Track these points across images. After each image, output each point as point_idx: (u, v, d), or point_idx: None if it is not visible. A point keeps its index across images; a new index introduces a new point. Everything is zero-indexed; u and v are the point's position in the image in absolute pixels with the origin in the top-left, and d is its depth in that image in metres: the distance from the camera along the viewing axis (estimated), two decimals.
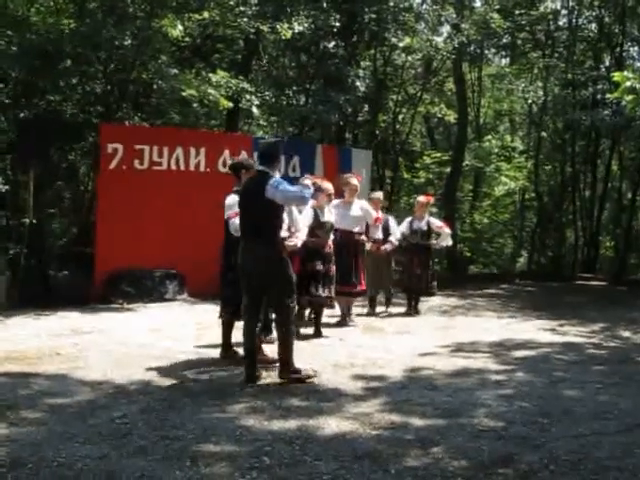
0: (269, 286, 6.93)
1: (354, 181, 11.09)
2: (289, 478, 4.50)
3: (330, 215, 9.82)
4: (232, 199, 7.75)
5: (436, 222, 12.67)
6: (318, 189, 10.25)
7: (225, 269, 7.97)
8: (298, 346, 8.52)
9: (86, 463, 4.68)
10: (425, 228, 12.27)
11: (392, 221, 12.44)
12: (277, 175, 7.34)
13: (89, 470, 4.58)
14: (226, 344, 8.00)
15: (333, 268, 9.59)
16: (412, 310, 12.34)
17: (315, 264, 9.27)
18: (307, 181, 9.78)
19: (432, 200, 13.18)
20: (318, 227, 9.45)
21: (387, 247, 12.02)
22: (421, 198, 12.88)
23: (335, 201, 10.54)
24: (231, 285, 7.67)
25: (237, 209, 7.41)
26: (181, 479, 4.45)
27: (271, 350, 7.62)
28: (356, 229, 10.95)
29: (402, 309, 12.46)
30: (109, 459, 4.78)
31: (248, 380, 6.86)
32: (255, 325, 7.01)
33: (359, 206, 11.07)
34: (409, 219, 12.56)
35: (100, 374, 7.08)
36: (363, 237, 11.15)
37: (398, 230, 12.34)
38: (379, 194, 12.78)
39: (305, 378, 6.91)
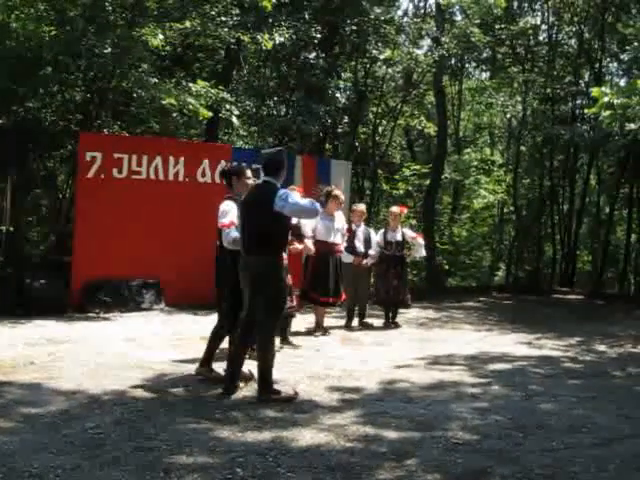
0: (257, 298, 6.74)
1: (338, 192, 11.26)
2: None
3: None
4: (228, 205, 7.49)
5: (409, 233, 12.69)
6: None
7: (221, 282, 7.62)
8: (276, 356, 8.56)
9: (58, 474, 4.65)
10: (400, 239, 12.26)
11: (373, 233, 12.47)
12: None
13: None
14: (207, 360, 7.65)
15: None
16: (391, 322, 12.31)
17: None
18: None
19: (405, 211, 13.15)
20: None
21: (368, 261, 12.08)
22: (394, 209, 12.82)
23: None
24: (228, 299, 7.46)
25: (232, 218, 7.30)
26: None
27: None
28: (339, 241, 11.17)
29: (379, 321, 12.45)
30: (82, 470, 4.75)
31: (226, 391, 6.79)
32: (249, 339, 6.96)
33: (340, 218, 11.22)
34: (382, 230, 12.59)
35: (74, 384, 7.02)
36: (341, 247, 11.33)
37: (374, 245, 12.34)
38: (362, 206, 12.84)
39: (285, 400, 6.64)
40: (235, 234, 7.27)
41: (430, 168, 22.24)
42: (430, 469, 4.95)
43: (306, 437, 5.57)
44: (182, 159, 13.67)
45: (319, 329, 11.14)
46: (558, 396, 7.28)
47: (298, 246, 10.32)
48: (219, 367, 7.37)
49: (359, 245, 12.04)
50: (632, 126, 13.93)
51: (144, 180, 13.36)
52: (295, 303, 9.89)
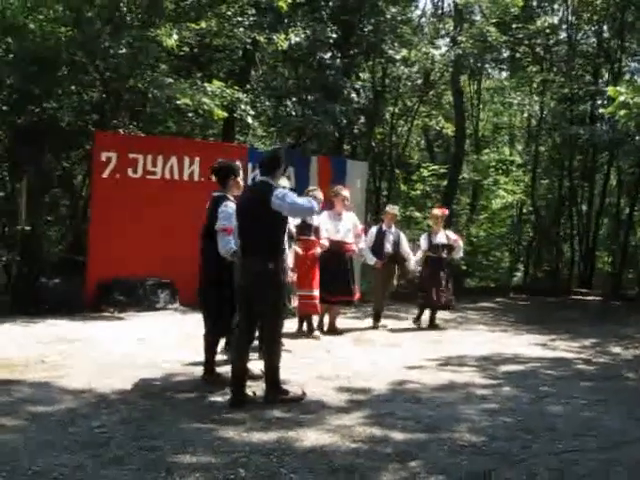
0: (259, 301, 6.57)
1: (345, 192, 11.24)
2: None
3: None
4: (232, 208, 7.17)
5: (452, 235, 12.58)
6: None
7: (211, 284, 7.42)
8: (284, 356, 8.55)
9: (62, 472, 4.67)
10: (445, 241, 12.23)
11: (403, 236, 12.50)
12: (285, 182, 7.31)
13: (64, 479, 4.56)
14: (210, 365, 7.57)
15: None
16: (431, 325, 12.32)
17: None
18: (318, 192, 10.05)
19: (447, 212, 13.07)
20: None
21: (410, 266, 12.43)
22: (436, 211, 12.78)
23: (325, 212, 10.70)
24: (220, 302, 7.34)
25: (233, 224, 7.08)
26: None
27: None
28: (348, 239, 11.15)
29: (392, 321, 12.43)
30: (85, 468, 4.77)
31: (234, 404, 6.47)
32: (248, 345, 6.77)
33: (349, 217, 11.27)
34: (426, 234, 12.53)
35: (83, 383, 7.05)
36: (354, 247, 11.42)
37: (407, 248, 12.45)
38: (395, 208, 12.86)
39: (292, 400, 6.58)
40: (234, 246, 7.07)
41: (448, 168, 22.19)
42: (434, 471, 4.92)
43: (311, 438, 5.55)
44: (197, 159, 13.71)
45: (333, 328, 11.28)
46: (569, 398, 7.22)
47: (318, 249, 10.46)
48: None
49: (388, 247, 12.10)
50: None
51: (159, 180, 13.43)
52: (296, 304, 10.06)
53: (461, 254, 13.08)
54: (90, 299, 12.55)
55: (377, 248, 12.04)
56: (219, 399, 6.66)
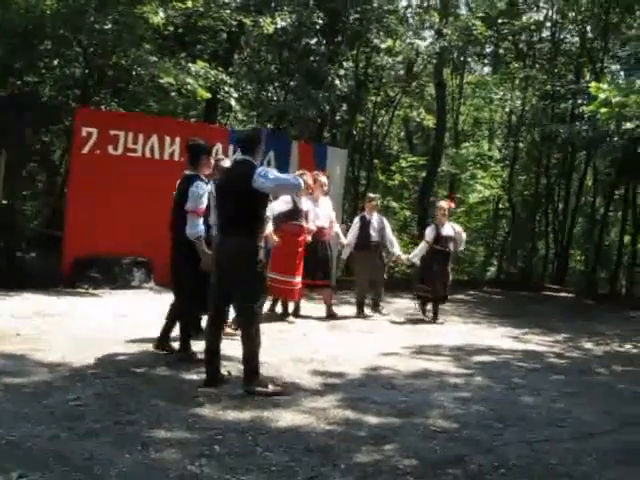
0: (235, 282, 6.37)
1: (322, 178, 11.36)
2: (238, 467, 4.50)
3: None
4: (203, 189, 7.23)
5: (457, 227, 12.50)
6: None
7: (184, 260, 7.38)
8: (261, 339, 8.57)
9: (36, 443, 4.67)
10: (452, 234, 12.13)
11: (386, 222, 12.55)
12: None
13: (38, 449, 4.58)
14: (164, 337, 7.62)
15: None
16: (435, 319, 12.18)
17: None
18: (306, 177, 10.18)
19: (453, 205, 13.00)
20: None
21: (412, 258, 12.66)
22: (443, 203, 12.68)
23: (303, 198, 10.75)
24: (194, 279, 7.31)
25: (204, 205, 7.18)
26: (130, 463, 4.45)
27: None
28: (326, 224, 11.33)
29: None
30: (60, 440, 4.78)
31: (209, 383, 6.41)
32: (222, 326, 6.69)
33: (325, 202, 11.46)
34: (432, 226, 12.39)
35: (59, 356, 7.04)
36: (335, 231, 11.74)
37: (391, 233, 12.57)
38: (376, 196, 13.01)
39: (272, 394, 6.22)
40: (202, 232, 7.17)
41: (427, 160, 22.26)
42: (407, 454, 4.96)
43: (286, 418, 5.58)
44: (178, 139, 13.63)
45: (331, 313, 11.51)
46: (540, 390, 7.29)
47: (308, 237, 10.68)
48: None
49: (374, 234, 12.10)
50: (629, 125, 13.95)
51: (139, 158, 13.37)
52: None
53: (463, 247, 13.04)
54: (66, 275, 12.50)
55: (363, 237, 12.04)
56: (194, 377, 6.67)
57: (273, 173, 6.42)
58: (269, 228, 9.62)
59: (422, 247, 12.33)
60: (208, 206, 7.42)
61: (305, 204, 10.71)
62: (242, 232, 6.37)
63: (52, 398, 5.67)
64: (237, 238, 6.37)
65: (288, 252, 10.39)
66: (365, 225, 12.12)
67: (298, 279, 10.64)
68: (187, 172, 7.50)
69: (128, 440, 4.84)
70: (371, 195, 13.14)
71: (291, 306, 11.04)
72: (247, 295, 6.42)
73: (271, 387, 6.36)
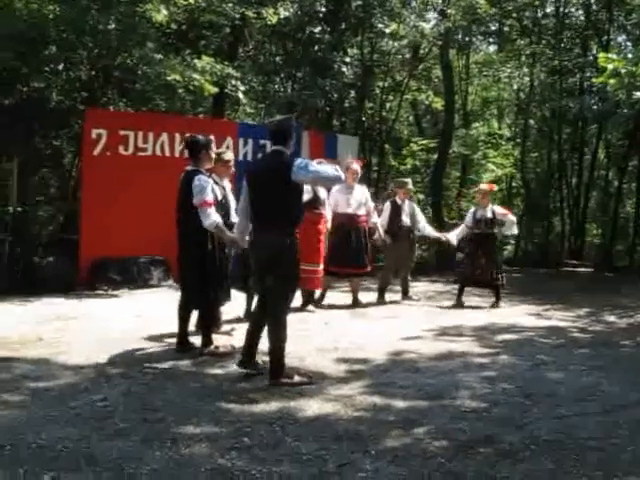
0: (271, 274, 6.28)
1: (355, 166, 11.32)
2: (269, 458, 4.50)
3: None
4: (206, 181, 7.25)
5: (500, 210, 12.18)
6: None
7: (191, 258, 7.45)
8: None
9: (66, 445, 4.67)
10: (490, 216, 11.80)
11: (417, 208, 12.53)
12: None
13: (69, 451, 4.57)
14: (183, 336, 7.64)
15: None
16: (492, 305, 11.92)
17: None
18: (354, 164, 10.48)
19: (495, 188, 12.77)
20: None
21: (450, 239, 12.40)
22: (483, 186, 12.51)
23: (337, 186, 10.74)
24: (202, 276, 7.39)
25: (211, 196, 7.19)
26: (160, 459, 4.45)
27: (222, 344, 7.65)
28: (360, 212, 11.24)
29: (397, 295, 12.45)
30: (89, 441, 4.77)
31: (240, 365, 6.47)
32: (263, 317, 6.46)
33: (360, 191, 11.40)
34: (473, 209, 12.29)
35: (83, 358, 7.03)
36: (373, 221, 11.64)
37: (423, 218, 12.60)
38: (409, 182, 12.85)
39: (299, 384, 6.21)
40: (219, 219, 7.19)
41: (438, 143, 22.19)
42: (437, 437, 4.95)
43: (313, 407, 5.57)
44: (211, 137, 13.58)
45: (356, 302, 11.46)
46: (566, 365, 7.26)
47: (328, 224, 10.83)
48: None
49: (406, 219, 12.10)
50: (639, 94, 13.83)
51: (150, 157, 13.35)
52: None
53: (515, 230, 12.60)
54: (84, 278, 12.53)
55: (394, 222, 12.02)
56: (219, 371, 6.67)
57: (313, 165, 6.32)
58: None
59: (461, 229, 12.25)
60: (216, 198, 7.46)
61: (323, 192, 10.69)
62: (281, 227, 6.29)
63: (79, 400, 5.67)
64: (277, 234, 6.27)
65: (309, 240, 10.22)
66: (396, 210, 12.09)
67: (320, 267, 10.66)
68: (188, 168, 7.52)
69: (157, 437, 4.83)
70: (403, 180, 13.00)
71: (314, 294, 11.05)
72: (280, 289, 6.34)
73: (297, 378, 6.32)
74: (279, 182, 6.20)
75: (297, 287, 6.77)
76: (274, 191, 6.25)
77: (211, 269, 7.44)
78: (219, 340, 7.77)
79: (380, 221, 12.03)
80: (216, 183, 7.99)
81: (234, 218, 7.88)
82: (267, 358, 6.44)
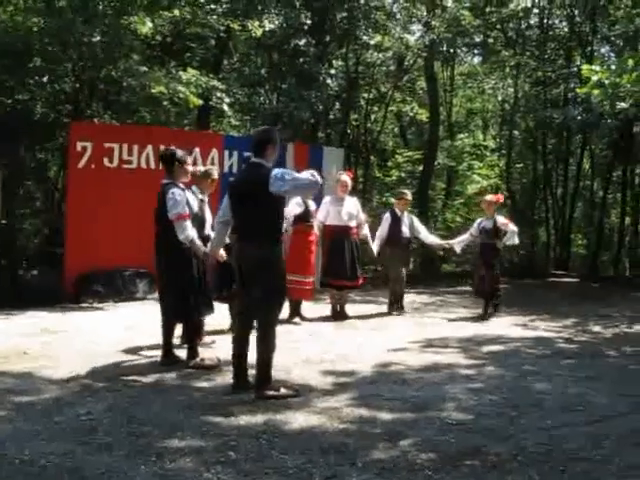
0: (255, 286, 6.25)
1: (345, 177, 11.39)
2: (255, 472, 4.47)
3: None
4: (180, 195, 7.25)
5: (501, 219, 12.15)
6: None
7: (169, 269, 7.45)
8: None
9: (50, 460, 4.64)
10: (491, 226, 11.81)
11: (416, 220, 12.44)
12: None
13: (53, 466, 4.54)
14: (167, 349, 7.59)
15: None
16: (483, 315, 11.86)
17: None
18: (344, 176, 11.00)
19: (501, 199, 12.67)
20: None
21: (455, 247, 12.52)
22: (488, 197, 12.48)
23: (327, 197, 11.21)
24: (181, 287, 7.41)
25: (186, 209, 7.21)
26: (145, 474, 4.42)
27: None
28: (352, 223, 11.28)
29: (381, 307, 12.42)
30: (73, 455, 4.74)
31: (237, 387, 6.40)
32: (249, 332, 6.47)
33: (352, 202, 11.45)
34: (479, 219, 12.30)
35: (67, 372, 7.00)
36: (364, 233, 11.71)
37: (423, 227, 12.55)
38: (408, 193, 12.80)
39: (285, 397, 6.19)
40: (194, 232, 7.23)
41: (423, 154, 22.22)
42: (424, 449, 4.94)
43: (299, 420, 5.55)
44: (173, 148, 13.57)
45: (339, 314, 11.35)
46: (553, 376, 7.28)
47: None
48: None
49: (406, 230, 12.03)
50: (623, 105, 13.90)
51: (135, 169, 13.30)
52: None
53: (516, 240, 12.42)
54: (69, 291, 12.46)
55: (394, 233, 11.95)
56: (205, 384, 6.65)
57: (290, 174, 6.27)
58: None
59: (465, 237, 12.30)
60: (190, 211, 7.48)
61: (313, 204, 10.78)
62: (262, 239, 6.26)
63: (63, 414, 5.63)
64: (258, 246, 6.24)
65: (300, 252, 10.53)
66: (396, 221, 12.03)
67: (310, 279, 10.76)
68: (163, 181, 7.50)
69: (142, 451, 4.81)
70: (402, 191, 13.03)
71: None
72: (268, 301, 6.30)
73: (283, 390, 6.30)
74: (259, 194, 6.16)
75: (284, 298, 6.73)
76: (254, 203, 6.23)
77: (191, 281, 7.45)
78: (205, 352, 7.74)
79: (378, 232, 12.10)
80: (193, 193, 8.01)
81: (209, 231, 7.93)
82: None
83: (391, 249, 12.05)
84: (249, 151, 13.08)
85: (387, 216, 12.23)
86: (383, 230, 12.09)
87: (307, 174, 6.29)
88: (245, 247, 6.34)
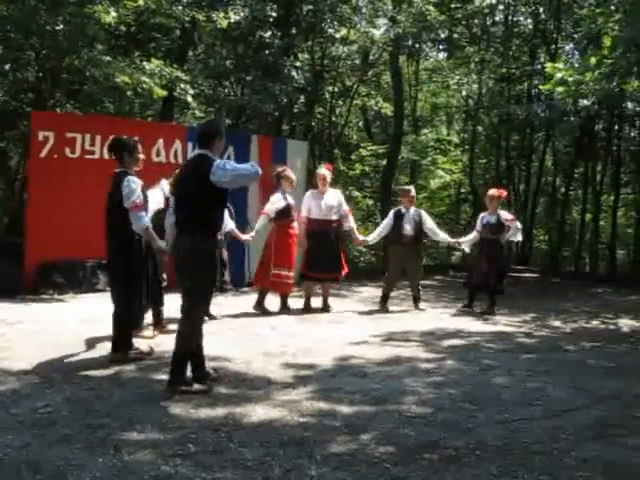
0: (184, 278, 6.19)
1: (323, 171, 11.49)
2: (214, 465, 4.46)
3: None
4: (135, 182, 7.14)
5: (506, 215, 12.12)
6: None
7: (119, 258, 7.36)
8: (228, 335, 8.58)
9: (7, 452, 4.60)
10: (494, 222, 11.81)
11: (425, 215, 12.27)
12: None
13: (10, 459, 4.50)
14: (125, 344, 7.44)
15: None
16: (484, 311, 11.86)
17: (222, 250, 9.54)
18: (289, 172, 10.91)
19: (504, 194, 12.65)
20: None
21: (463, 246, 12.66)
22: (492, 191, 12.32)
23: (308, 192, 11.44)
24: (129, 277, 7.31)
25: (141, 198, 7.12)
26: (103, 466, 4.39)
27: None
28: (333, 217, 11.34)
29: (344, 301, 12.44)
30: (31, 448, 4.70)
31: (195, 380, 6.25)
32: (201, 325, 6.35)
33: (333, 195, 11.48)
34: (482, 214, 12.26)
35: (26, 364, 6.92)
36: (350, 225, 11.77)
37: (433, 224, 12.41)
38: (412, 189, 12.72)
39: (195, 393, 6.05)
40: (149, 222, 7.16)
41: (387, 148, 22.28)
42: (383, 442, 4.96)
43: (259, 413, 5.55)
44: (136, 139, 13.47)
45: (326, 306, 11.49)
46: (512, 370, 7.33)
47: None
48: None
49: (408, 228, 11.87)
50: (585, 102, 14.05)
51: (98, 160, 13.17)
52: (228, 278, 10.08)
53: (519, 236, 12.41)
54: (29, 281, 12.33)
55: (395, 231, 11.92)
56: (164, 377, 6.58)
57: (231, 164, 6.21)
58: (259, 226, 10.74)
59: (473, 235, 12.29)
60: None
61: (291, 199, 10.98)
62: (197, 230, 6.17)
63: (21, 407, 5.57)
64: (191, 237, 6.16)
65: (281, 246, 10.80)
66: (399, 219, 11.95)
67: (292, 272, 10.95)
68: (116, 170, 7.39)
69: (100, 444, 4.78)
70: (405, 187, 13.03)
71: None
72: (196, 293, 6.21)
73: (196, 386, 6.19)
74: (199, 185, 6.09)
75: (211, 293, 6.54)
76: (191, 194, 6.17)
77: (140, 272, 7.41)
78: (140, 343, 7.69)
79: (380, 228, 12.30)
80: (162, 190, 7.97)
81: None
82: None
83: (392, 248, 12.22)
84: None
85: (391, 214, 12.23)
86: (383, 226, 12.20)
87: (247, 165, 6.28)
88: (179, 237, 6.28)
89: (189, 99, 15.67)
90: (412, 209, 12.10)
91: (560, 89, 11.87)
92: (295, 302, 11.56)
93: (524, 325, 10.70)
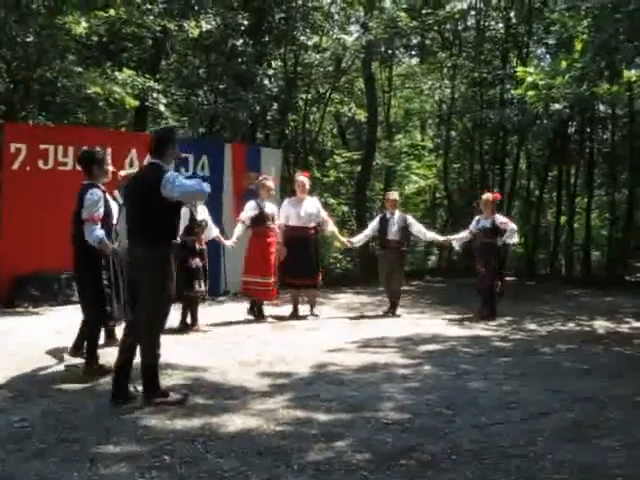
0: (140, 291, 6.07)
1: (301, 178, 11.70)
2: (190, 476, 4.46)
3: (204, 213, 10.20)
4: (98, 195, 7.16)
5: (501, 218, 12.11)
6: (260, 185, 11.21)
7: (86, 270, 7.37)
8: (206, 344, 8.57)
9: None
10: (489, 226, 11.82)
11: (411, 219, 12.43)
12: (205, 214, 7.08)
13: None
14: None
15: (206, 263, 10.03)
16: (483, 312, 11.85)
17: (195, 260, 9.70)
18: (268, 181, 11.08)
19: (499, 198, 12.60)
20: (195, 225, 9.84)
21: (455, 245, 12.77)
22: (486, 196, 12.41)
23: (286, 199, 11.65)
24: (97, 289, 7.32)
25: (101, 212, 7.13)
26: None
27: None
28: (310, 224, 11.46)
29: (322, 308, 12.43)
30: (6, 463, 4.68)
31: (114, 397, 6.09)
32: (136, 343, 6.15)
33: (311, 202, 11.62)
34: (477, 218, 12.26)
35: (1, 378, 6.88)
36: (331, 229, 12.09)
37: (420, 226, 12.54)
38: (395, 193, 12.88)
39: (172, 404, 6.02)
40: (102, 234, 7.11)
41: (361, 155, 22.31)
42: (360, 449, 4.97)
43: (236, 423, 5.54)
44: (109, 149, 13.44)
45: (311, 310, 11.69)
46: (488, 374, 7.37)
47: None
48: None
49: (393, 233, 12.01)
50: (557, 106, 14.12)
51: (71, 171, 13.10)
52: (204, 288, 9.99)
53: (515, 239, 12.53)
54: (3, 294, 12.26)
55: (380, 236, 12.14)
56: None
57: (180, 180, 6.05)
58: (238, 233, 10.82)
59: (464, 234, 12.35)
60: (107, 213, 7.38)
61: (269, 207, 11.17)
62: (151, 242, 6.08)
63: None
64: (144, 247, 6.08)
65: (260, 254, 10.94)
66: (383, 224, 12.10)
67: (271, 279, 11.03)
68: (84, 182, 7.42)
69: (76, 458, 4.75)
70: (389, 192, 13.21)
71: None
72: (152, 306, 6.09)
73: (173, 395, 6.17)
74: (150, 196, 6.02)
75: (169, 303, 6.33)
76: (145, 205, 6.08)
77: (106, 283, 7.39)
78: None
79: (366, 231, 12.56)
80: (115, 199, 7.94)
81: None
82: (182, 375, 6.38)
83: (378, 252, 12.46)
84: (186, 152, 13.24)
85: (376, 219, 12.46)
86: (370, 228, 12.46)
87: (194, 182, 6.18)
88: (132, 247, 6.21)
89: (162, 108, 15.65)
90: (397, 213, 12.23)
91: (531, 93, 11.92)
92: (284, 310, 11.71)
93: (500, 329, 10.74)
